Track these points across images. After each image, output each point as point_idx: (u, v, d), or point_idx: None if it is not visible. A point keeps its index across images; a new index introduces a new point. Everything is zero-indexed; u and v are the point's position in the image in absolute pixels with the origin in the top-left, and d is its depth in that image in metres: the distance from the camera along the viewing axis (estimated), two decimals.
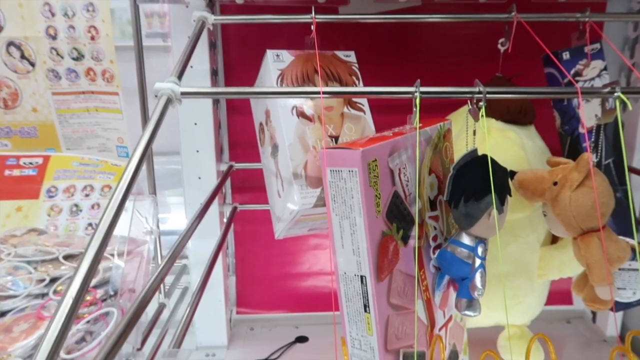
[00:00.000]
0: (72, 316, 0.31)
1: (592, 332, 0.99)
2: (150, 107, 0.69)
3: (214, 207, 0.88)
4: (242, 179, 0.95)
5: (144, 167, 0.76)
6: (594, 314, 1.01)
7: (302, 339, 0.97)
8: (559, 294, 1.02)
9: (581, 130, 0.73)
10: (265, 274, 1.00)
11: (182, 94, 0.48)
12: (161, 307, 0.76)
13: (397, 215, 0.51)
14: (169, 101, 0.47)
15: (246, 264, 1.00)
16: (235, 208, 0.90)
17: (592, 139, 0.71)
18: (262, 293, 1.01)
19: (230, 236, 0.99)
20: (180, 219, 1.01)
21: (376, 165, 0.48)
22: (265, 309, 1.02)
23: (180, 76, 0.51)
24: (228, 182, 0.96)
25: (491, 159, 0.53)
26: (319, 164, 0.62)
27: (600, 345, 0.96)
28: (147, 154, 0.42)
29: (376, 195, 0.49)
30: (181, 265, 0.93)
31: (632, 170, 0.84)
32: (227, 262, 0.98)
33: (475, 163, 0.54)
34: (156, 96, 0.48)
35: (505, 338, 0.72)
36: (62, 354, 0.47)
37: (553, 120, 0.78)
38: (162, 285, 0.78)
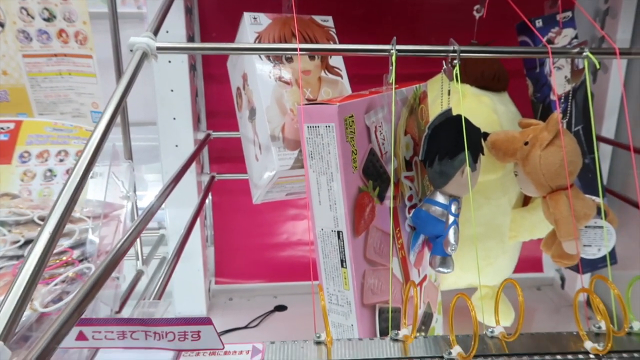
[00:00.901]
0: (37, 274, 0.29)
1: (561, 298, 1.03)
2: None
3: (192, 177, 0.88)
4: (221, 149, 0.95)
5: (120, 134, 0.75)
6: (562, 280, 1.04)
7: (280, 308, 0.98)
8: (529, 262, 1.06)
9: (552, 97, 0.74)
10: (244, 244, 1.01)
11: (158, 49, 0.48)
12: (139, 274, 0.76)
13: (373, 172, 0.52)
14: (144, 56, 0.47)
15: (225, 234, 1.00)
16: (213, 177, 0.90)
17: (563, 106, 0.73)
18: (241, 263, 1.02)
19: (209, 207, 0.99)
20: None
21: (353, 121, 0.49)
22: (244, 279, 1.02)
23: (155, 33, 0.50)
24: (206, 152, 0.95)
25: (465, 118, 0.54)
26: (297, 127, 0.63)
27: (568, 310, 0.99)
28: (121, 107, 0.42)
29: (353, 151, 0.50)
30: (159, 235, 0.93)
31: (600, 139, 0.87)
32: (206, 233, 0.98)
33: (450, 123, 0.56)
34: (131, 50, 0.47)
35: (478, 298, 0.75)
36: (39, 309, 0.47)
37: (526, 89, 0.79)
38: (139, 252, 0.78)
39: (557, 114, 0.56)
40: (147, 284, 0.81)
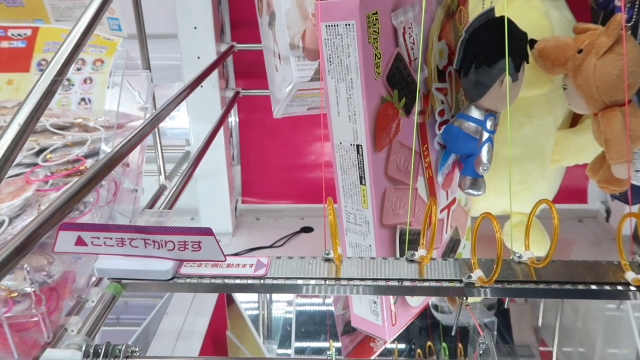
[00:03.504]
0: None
1: (604, 231, 0.97)
2: None
3: (215, 92, 0.84)
4: (247, 64, 0.90)
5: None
6: (608, 213, 0.98)
7: (307, 230, 0.97)
8: (573, 192, 0.99)
9: (617, 3, 0.65)
10: (272, 164, 0.99)
11: None
12: (162, 189, 0.75)
13: (399, 80, 0.47)
14: None
15: (252, 154, 0.98)
16: (237, 93, 0.87)
17: (629, 14, 0.64)
18: (268, 184, 1.00)
19: (235, 126, 0.96)
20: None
21: (377, 20, 0.43)
22: (271, 200, 1.01)
23: None
24: (232, 68, 0.91)
25: (510, 20, 0.47)
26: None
27: (611, 244, 0.94)
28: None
29: (376, 55, 0.44)
30: (185, 152, 0.92)
31: None
32: (232, 152, 0.96)
33: (491, 25, 0.49)
34: None
35: (510, 226, 0.70)
36: None
37: None
38: (162, 167, 0.76)
39: (620, 15, 0.48)
40: (168, 199, 0.80)
